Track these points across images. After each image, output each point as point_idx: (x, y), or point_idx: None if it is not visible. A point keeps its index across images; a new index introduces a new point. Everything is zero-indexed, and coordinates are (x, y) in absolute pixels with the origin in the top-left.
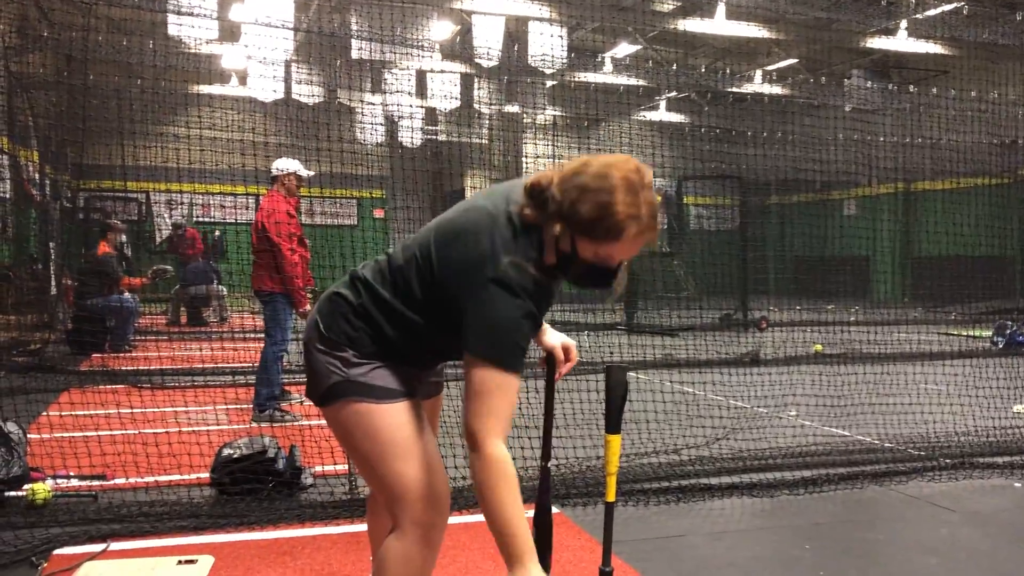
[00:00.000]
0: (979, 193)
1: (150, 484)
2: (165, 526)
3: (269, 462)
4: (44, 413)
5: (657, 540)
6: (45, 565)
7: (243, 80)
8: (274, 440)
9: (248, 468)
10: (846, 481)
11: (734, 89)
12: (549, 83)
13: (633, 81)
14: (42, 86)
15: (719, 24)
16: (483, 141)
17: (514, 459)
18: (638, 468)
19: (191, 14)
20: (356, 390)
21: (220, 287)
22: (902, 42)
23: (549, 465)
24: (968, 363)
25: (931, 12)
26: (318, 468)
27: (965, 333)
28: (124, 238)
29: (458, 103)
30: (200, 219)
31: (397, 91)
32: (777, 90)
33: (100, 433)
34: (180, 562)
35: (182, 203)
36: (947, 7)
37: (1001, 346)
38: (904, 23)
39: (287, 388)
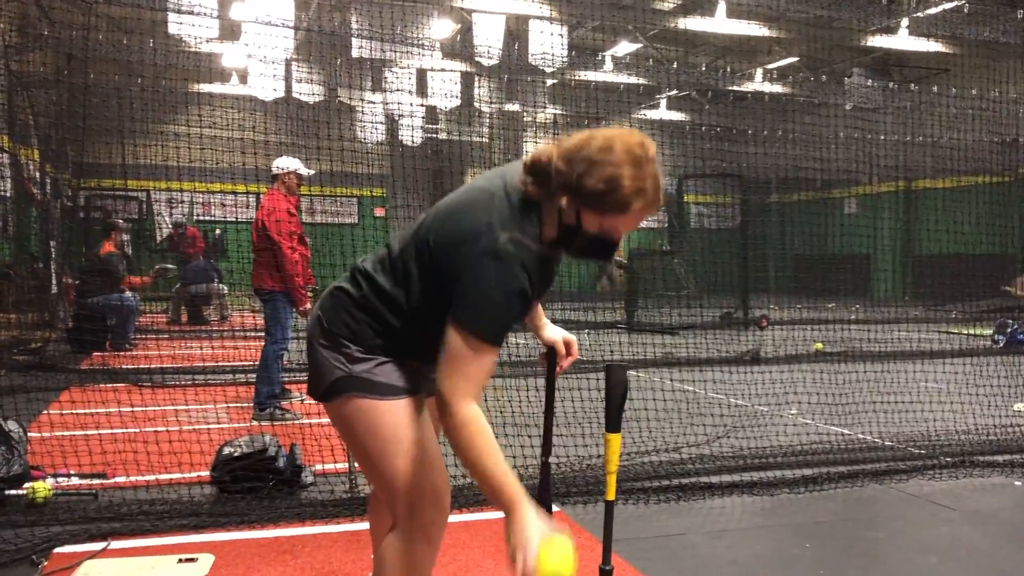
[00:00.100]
0: (980, 191)
1: (150, 483)
2: (165, 524)
3: (269, 460)
4: (45, 411)
5: (657, 539)
6: (45, 564)
7: (243, 79)
8: (274, 438)
9: (248, 466)
10: (846, 479)
11: (735, 87)
12: (549, 81)
13: (634, 79)
14: (42, 85)
15: (720, 22)
16: (483, 140)
17: (514, 457)
18: (638, 466)
19: (191, 13)
20: (359, 386)
21: (221, 285)
22: (903, 40)
23: (549, 460)
24: (968, 361)
25: (932, 10)
26: (318, 466)
27: (966, 331)
28: (127, 237)
29: (458, 101)
30: (200, 218)
31: (397, 89)
32: (778, 88)
33: (100, 431)
34: (180, 560)
35: (182, 202)
36: (948, 5)
37: (1002, 344)
38: (905, 21)
39: (287, 386)
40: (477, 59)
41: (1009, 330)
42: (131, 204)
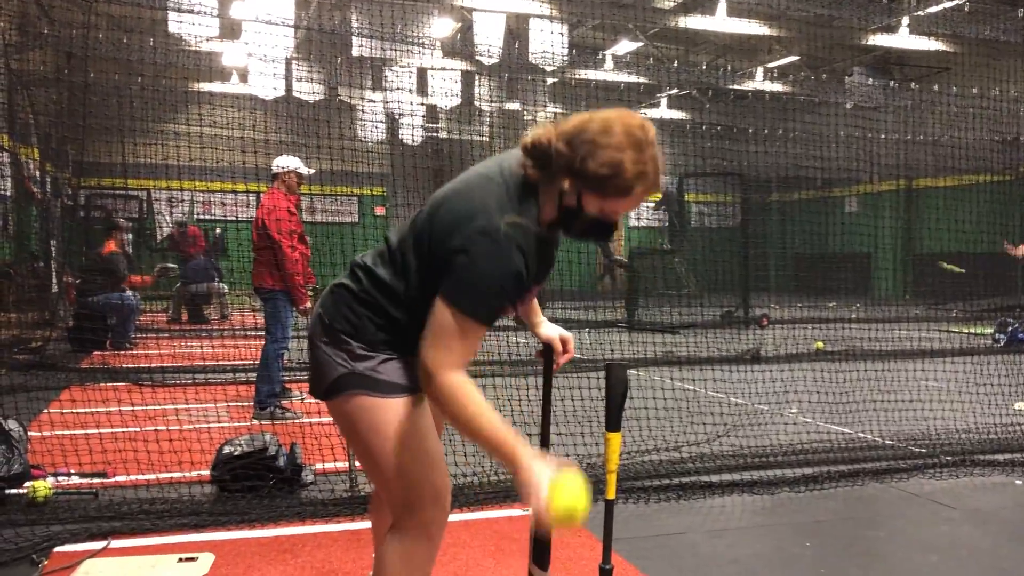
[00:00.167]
0: (980, 190)
1: (151, 481)
2: (166, 524)
3: (270, 459)
4: (45, 410)
5: (657, 538)
6: (46, 563)
7: (244, 77)
8: (275, 437)
9: (249, 465)
10: (847, 478)
11: (735, 86)
12: (550, 80)
13: (634, 78)
14: (42, 83)
15: (720, 21)
16: (484, 138)
17: None
18: (638, 465)
19: (192, 11)
20: (362, 383)
21: (221, 284)
22: (903, 39)
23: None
24: (969, 360)
25: (932, 9)
26: (319, 465)
27: (966, 330)
28: (129, 236)
29: (459, 100)
30: (201, 217)
31: (398, 88)
32: (778, 87)
33: (101, 431)
34: (181, 560)
35: (183, 201)
36: (948, 4)
37: (1002, 343)
38: (905, 20)
39: (288, 385)
40: (477, 58)
41: (1010, 329)
42: (131, 203)
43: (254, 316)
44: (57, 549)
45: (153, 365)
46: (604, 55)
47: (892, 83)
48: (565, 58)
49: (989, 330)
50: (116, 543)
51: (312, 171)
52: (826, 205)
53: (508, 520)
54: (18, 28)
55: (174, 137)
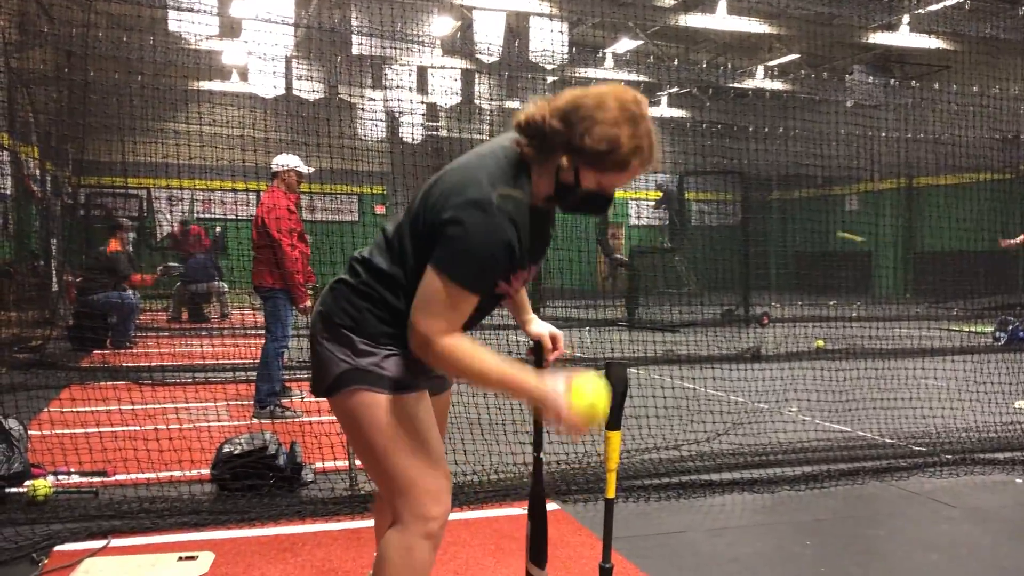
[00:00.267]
0: (981, 188)
1: (151, 480)
2: (166, 522)
3: (270, 458)
4: (45, 409)
5: (657, 536)
6: (46, 562)
7: (244, 76)
8: (275, 436)
9: (249, 464)
10: (847, 477)
11: (736, 84)
12: (550, 79)
13: (634, 77)
14: (42, 82)
15: (720, 19)
16: (484, 137)
17: (512, 454)
18: (638, 464)
19: (191, 10)
20: (365, 379)
21: (221, 283)
22: (904, 37)
23: (541, 456)
24: (970, 359)
25: (933, 7)
26: (319, 464)
27: (967, 329)
28: (131, 235)
29: (459, 99)
30: (201, 215)
31: (398, 87)
32: (779, 85)
33: (101, 429)
34: (181, 558)
35: (182, 199)
36: (949, 2)
37: (1003, 342)
38: (906, 18)
39: (288, 384)
40: (477, 56)
41: (1010, 327)
42: (131, 202)
43: (254, 315)
44: (57, 548)
45: (153, 364)
46: (604, 53)
47: (892, 81)
48: (565, 56)
49: (990, 328)
50: (116, 542)
51: (312, 169)
52: (826, 203)
53: (508, 519)
54: (18, 26)
55: (174, 136)
